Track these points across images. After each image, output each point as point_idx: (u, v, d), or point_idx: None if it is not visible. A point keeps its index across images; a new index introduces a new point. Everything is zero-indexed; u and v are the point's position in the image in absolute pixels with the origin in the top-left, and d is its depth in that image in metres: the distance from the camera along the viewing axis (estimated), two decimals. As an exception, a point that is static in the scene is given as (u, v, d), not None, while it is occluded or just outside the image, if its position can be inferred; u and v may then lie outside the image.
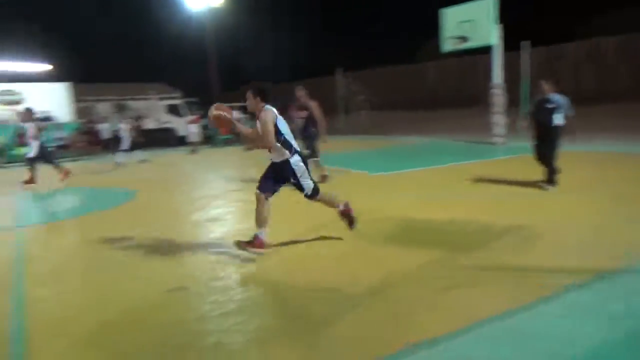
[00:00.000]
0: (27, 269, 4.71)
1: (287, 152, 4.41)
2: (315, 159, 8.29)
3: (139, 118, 22.42)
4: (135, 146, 15.07)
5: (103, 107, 22.83)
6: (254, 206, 4.49)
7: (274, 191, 4.54)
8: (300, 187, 4.55)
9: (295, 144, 4.49)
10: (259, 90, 4.38)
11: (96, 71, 27.90)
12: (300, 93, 8.24)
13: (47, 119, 19.02)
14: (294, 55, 32.68)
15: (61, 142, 17.97)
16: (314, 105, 8.16)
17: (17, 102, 19.27)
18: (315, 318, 3.21)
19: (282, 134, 4.37)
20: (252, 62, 33.55)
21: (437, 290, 3.52)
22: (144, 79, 25.41)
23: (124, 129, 15.06)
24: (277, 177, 4.52)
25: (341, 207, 4.83)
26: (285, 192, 4.88)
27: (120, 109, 23.05)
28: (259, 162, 7.51)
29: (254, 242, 4.45)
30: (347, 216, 4.86)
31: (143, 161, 15.39)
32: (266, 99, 4.39)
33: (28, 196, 9.64)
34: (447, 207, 6.15)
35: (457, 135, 16.40)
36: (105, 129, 20.60)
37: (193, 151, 17.53)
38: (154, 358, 2.85)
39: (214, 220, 6.36)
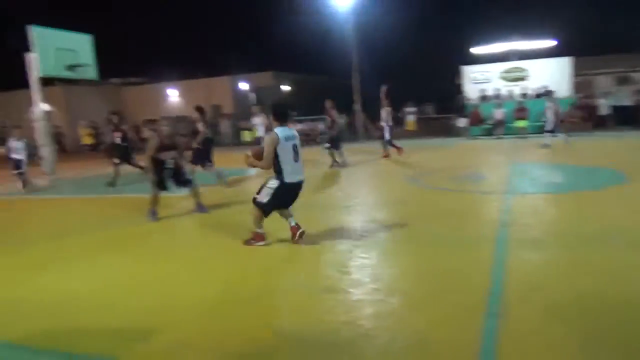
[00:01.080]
0: (511, 232, 5.18)
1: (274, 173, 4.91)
2: None
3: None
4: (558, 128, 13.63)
5: (603, 81, 21.43)
6: None
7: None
8: (259, 190, 4.95)
9: (290, 170, 4.80)
10: (272, 112, 4.92)
11: (600, 43, 26.10)
12: None
13: (544, 94, 19.65)
14: None
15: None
16: None
17: (521, 79, 20.74)
18: None
19: (278, 159, 4.77)
20: None
21: None
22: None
23: (550, 108, 13.63)
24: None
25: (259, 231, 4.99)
26: None
27: (622, 82, 21.01)
28: None
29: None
30: (248, 243, 5.02)
31: (545, 146, 13.59)
32: (280, 119, 4.85)
33: (521, 168, 10.48)
34: None
35: None
36: (603, 105, 19.38)
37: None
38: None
39: None
